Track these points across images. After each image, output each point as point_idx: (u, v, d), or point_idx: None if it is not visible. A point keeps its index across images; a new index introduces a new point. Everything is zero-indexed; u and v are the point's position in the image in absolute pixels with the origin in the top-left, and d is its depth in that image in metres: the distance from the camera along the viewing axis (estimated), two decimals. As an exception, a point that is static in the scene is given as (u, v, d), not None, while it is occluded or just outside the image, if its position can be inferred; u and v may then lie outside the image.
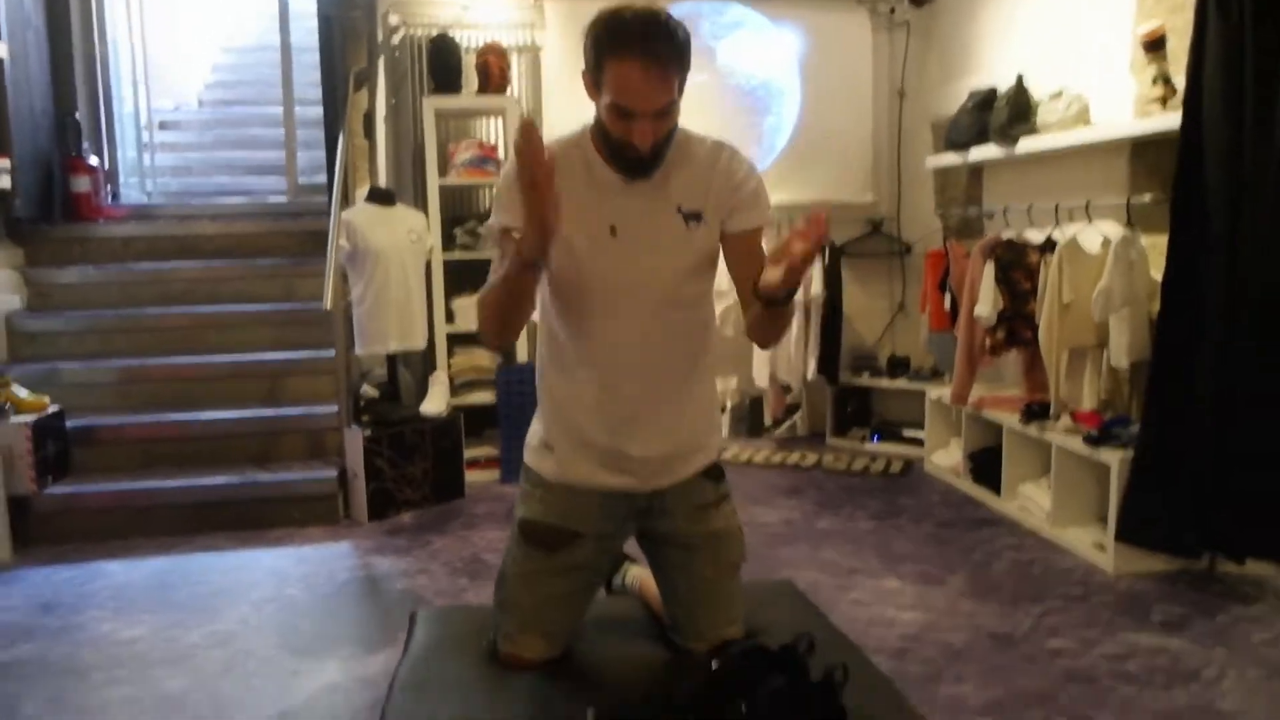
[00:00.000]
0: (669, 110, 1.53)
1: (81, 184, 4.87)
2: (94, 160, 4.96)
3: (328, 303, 3.70)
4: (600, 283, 1.63)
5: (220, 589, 3.14)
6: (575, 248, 1.61)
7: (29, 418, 3.64)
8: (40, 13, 4.79)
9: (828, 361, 4.89)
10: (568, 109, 4.63)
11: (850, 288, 5.08)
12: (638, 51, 1.46)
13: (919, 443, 4.66)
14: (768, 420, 5.28)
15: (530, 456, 1.79)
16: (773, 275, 1.44)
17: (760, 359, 4.85)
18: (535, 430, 1.79)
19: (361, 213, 4.11)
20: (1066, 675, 2.44)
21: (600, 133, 1.60)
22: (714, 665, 1.12)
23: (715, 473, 1.80)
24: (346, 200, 4.27)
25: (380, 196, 4.20)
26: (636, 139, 1.52)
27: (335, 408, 3.98)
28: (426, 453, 4.03)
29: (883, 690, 1.53)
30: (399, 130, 4.79)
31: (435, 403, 4.17)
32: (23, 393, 3.76)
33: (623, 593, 2.07)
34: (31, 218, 4.64)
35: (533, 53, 4.86)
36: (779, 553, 3.39)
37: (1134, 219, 3.35)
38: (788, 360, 4.84)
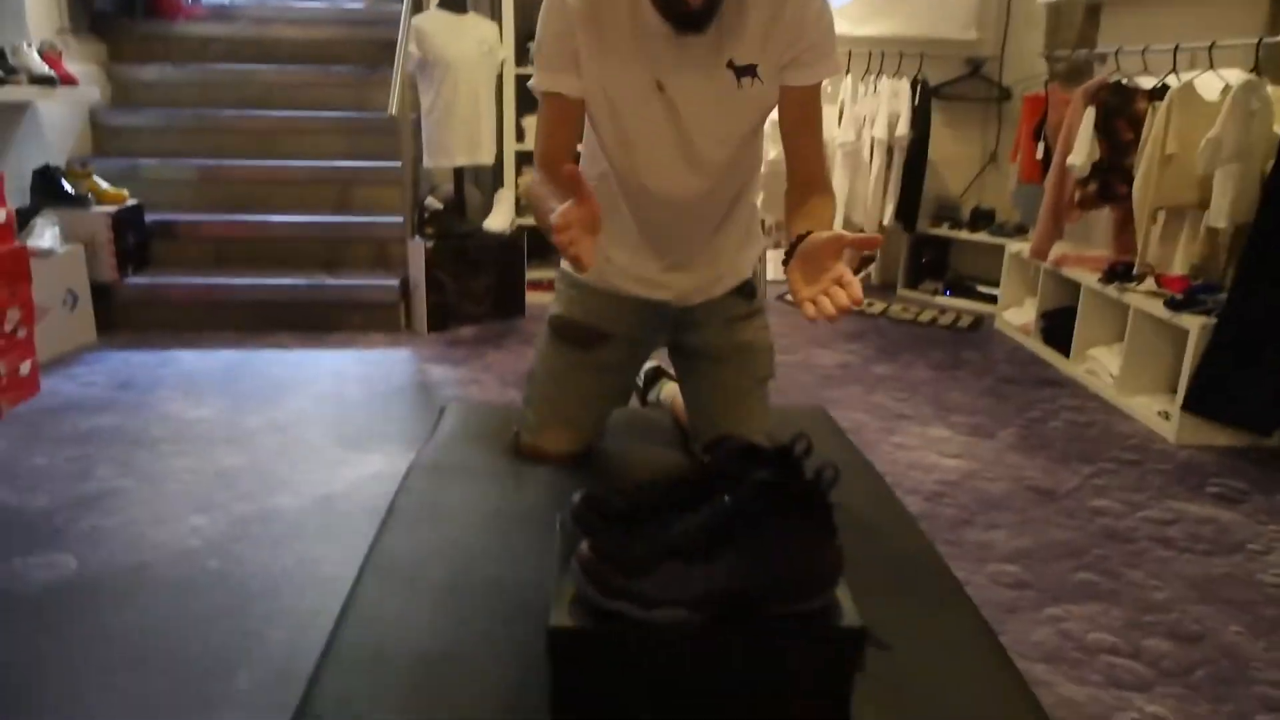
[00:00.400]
0: None
1: (162, -24, 4.83)
2: (175, -47, 4.89)
3: (393, 108, 3.65)
4: (644, 141, 1.53)
5: (282, 382, 3.27)
6: (617, 104, 1.49)
7: (110, 208, 3.76)
8: None
9: (907, 208, 4.69)
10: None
11: (940, 132, 4.80)
12: None
13: (992, 300, 4.49)
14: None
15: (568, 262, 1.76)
16: (801, 286, 1.21)
17: (836, 197, 4.67)
18: None
19: (432, 19, 3.99)
20: (1104, 533, 2.39)
21: None
22: (705, 459, 1.10)
23: (747, 289, 1.74)
24: (419, 6, 4.14)
25: (452, 3, 4.05)
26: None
27: (401, 218, 4.01)
28: (489, 269, 4.06)
29: (888, 507, 1.51)
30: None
31: (500, 219, 4.15)
32: (104, 184, 3.87)
33: (656, 406, 2.08)
34: (114, 12, 4.64)
35: None
36: (829, 393, 3.36)
37: (1263, 65, 3.03)
38: (864, 202, 4.65)
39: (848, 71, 4.65)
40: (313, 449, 2.70)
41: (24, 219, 3.63)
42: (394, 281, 3.92)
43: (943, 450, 2.89)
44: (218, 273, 3.97)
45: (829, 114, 4.71)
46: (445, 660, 1.05)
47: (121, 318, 3.82)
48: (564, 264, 1.77)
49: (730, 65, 1.46)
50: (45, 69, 3.53)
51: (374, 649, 1.08)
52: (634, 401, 2.10)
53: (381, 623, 1.14)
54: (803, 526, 0.99)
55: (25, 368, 3.08)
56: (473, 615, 1.14)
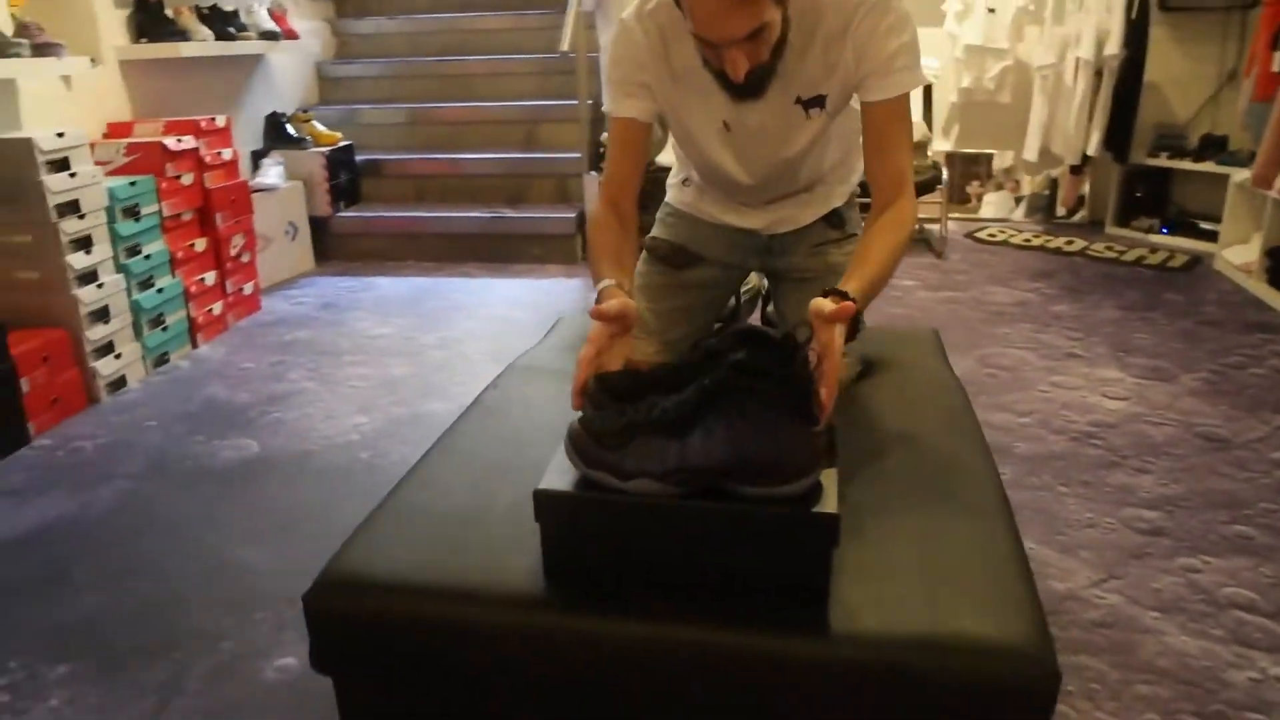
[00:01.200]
0: (761, 32, 1.24)
1: (381, -65, 5.22)
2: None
3: (564, 44, 3.79)
4: (720, 163, 1.58)
5: (460, 306, 3.55)
6: (691, 131, 1.54)
7: (325, 149, 4.19)
8: None
9: (1118, 136, 4.28)
10: None
11: (1163, 48, 4.31)
12: None
13: (1215, 238, 4.03)
14: (1060, 209, 4.81)
15: (669, 192, 1.83)
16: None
17: (1032, 127, 4.34)
18: (676, 170, 1.83)
19: (610, -44, 4.07)
20: (1277, 489, 2.15)
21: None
22: (708, 342, 1.13)
23: (834, 219, 1.73)
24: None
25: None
26: (729, 69, 1.28)
27: (579, 154, 4.17)
28: (662, 202, 4.13)
29: (961, 426, 1.45)
30: None
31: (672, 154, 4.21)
32: (321, 128, 4.30)
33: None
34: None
35: None
36: (993, 329, 3.19)
37: None
38: (1065, 132, 4.29)
39: (1053, -13, 4.27)
40: (471, 363, 2.94)
41: (257, 159, 4.14)
42: (571, 214, 4.10)
43: (1107, 391, 2.68)
44: (417, 207, 4.33)
45: (1031, 35, 4.36)
46: (473, 523, 1.17)
47: (334, 247, 4.26)
48: (669, 195, 1.83)
49: (798, 101, 1.45)
50: (271, 25, 3.97)
51: (419, 508, 1.22)
52: (756, 317, 2.11)
53: (429, 488, 1.27)
54: (777, 410, 1.01)
55: (249, 288, 3.54)
56: (512, 489, 1.24)
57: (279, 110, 4.26)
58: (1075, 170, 4.53)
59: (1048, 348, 3.03)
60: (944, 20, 4.50)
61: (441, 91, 4.78)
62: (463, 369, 2.90)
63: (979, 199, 5.13)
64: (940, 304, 3.47)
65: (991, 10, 4.32)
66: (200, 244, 3.26)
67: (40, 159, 2.58)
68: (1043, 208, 4.86)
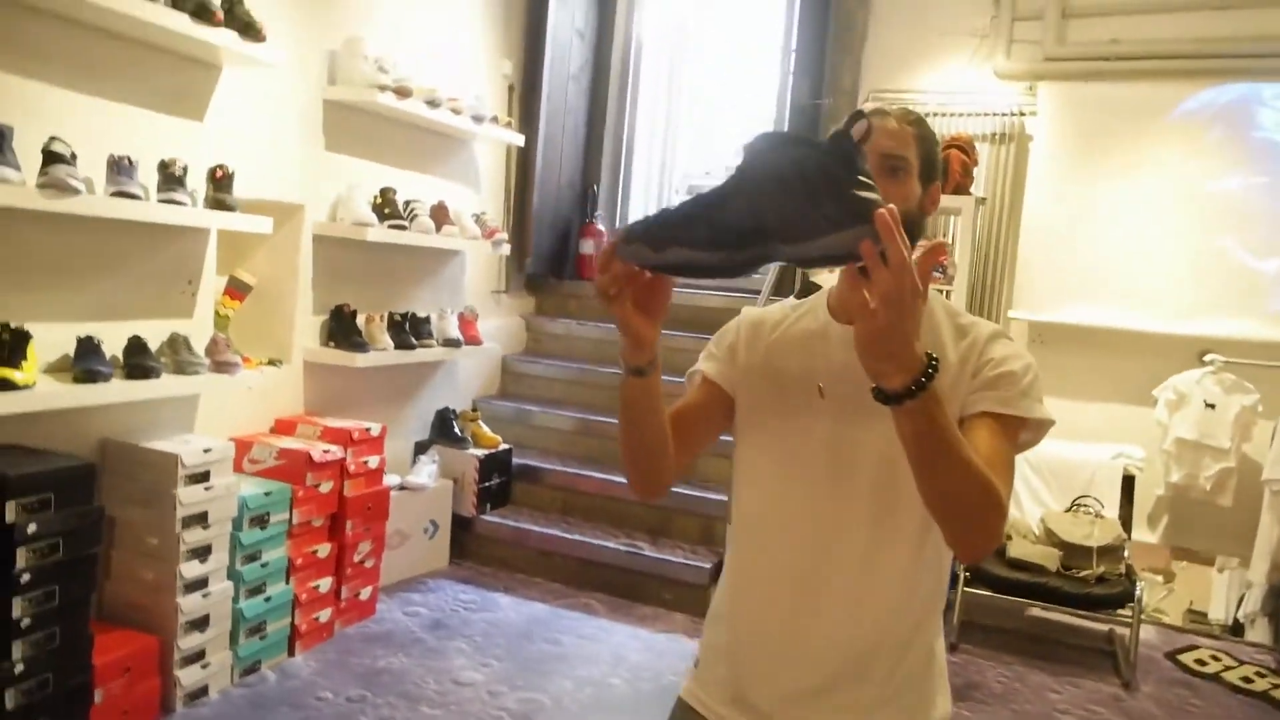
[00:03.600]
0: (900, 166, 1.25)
1: (588, 246, 5.58)
2: (602, 225, 5.64)
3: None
4: (795, 459, 1.29)
5: (565, 654, 3.32)
6: (776, 408, 1.33)
7: (482, 452, 4.26)
8: (583, 98, 5.59)
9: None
10: (1049, 204, 4.09)
11: None
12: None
13: None
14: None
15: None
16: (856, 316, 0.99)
17: (1259, 548, 3.70)
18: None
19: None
20: None
21: (830, 294, 1.37)
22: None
23: None
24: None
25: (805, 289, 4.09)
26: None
27: (726, 497, 3.98)
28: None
29: None
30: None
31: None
32: (485, 429, 4.41)
33: None
34: (543, 273, 5.44)
35: (1018, 141, 4.35)
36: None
37: None
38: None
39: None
40: (541, 750, 2.66)
41: (420, 450, 4.27)
42: (707, 565, 3.86)
43: None
44: (560, 521, 4.26)
45: (1261, 434, 3.83)
46: None
47: (472, 548, 4.23)
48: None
49: None
50: (454, 333, 4.20)
51: None
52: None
53: None
54: (818, 165, 0.95)
55: (366, 593, 3.51)
56: None
57: (450, 407, 4.42)
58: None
59: None
60: (1154, 405, 4.07)
61: (607, 402, 4.84)
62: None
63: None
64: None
65: (1210, 406, 3.86)
66: (324, 549, 3.28)
67: (181, 473, 2.71)
68: (1258, 614, 4.06)
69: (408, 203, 3.94)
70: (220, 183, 2.91)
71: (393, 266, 4.09)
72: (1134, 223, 4.14)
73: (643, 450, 1.30)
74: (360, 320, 3.75)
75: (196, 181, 2.88)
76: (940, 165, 1.33)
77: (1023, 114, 4.31)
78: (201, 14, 2.70)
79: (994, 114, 4.34)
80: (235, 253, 3.42)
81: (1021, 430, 1.21)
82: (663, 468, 1.32)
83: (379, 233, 3.65)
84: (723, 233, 1.01)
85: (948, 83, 4.46)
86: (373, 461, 3.50)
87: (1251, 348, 3.92)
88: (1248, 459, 3.92)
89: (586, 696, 3.02)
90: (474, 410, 4.53)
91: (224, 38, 2.80)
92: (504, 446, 4.40)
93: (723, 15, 6.55)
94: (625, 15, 5.71)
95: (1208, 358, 3.99)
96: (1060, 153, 4.25)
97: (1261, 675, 3.66)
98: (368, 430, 3.49)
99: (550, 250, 5.46)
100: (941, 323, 1.30)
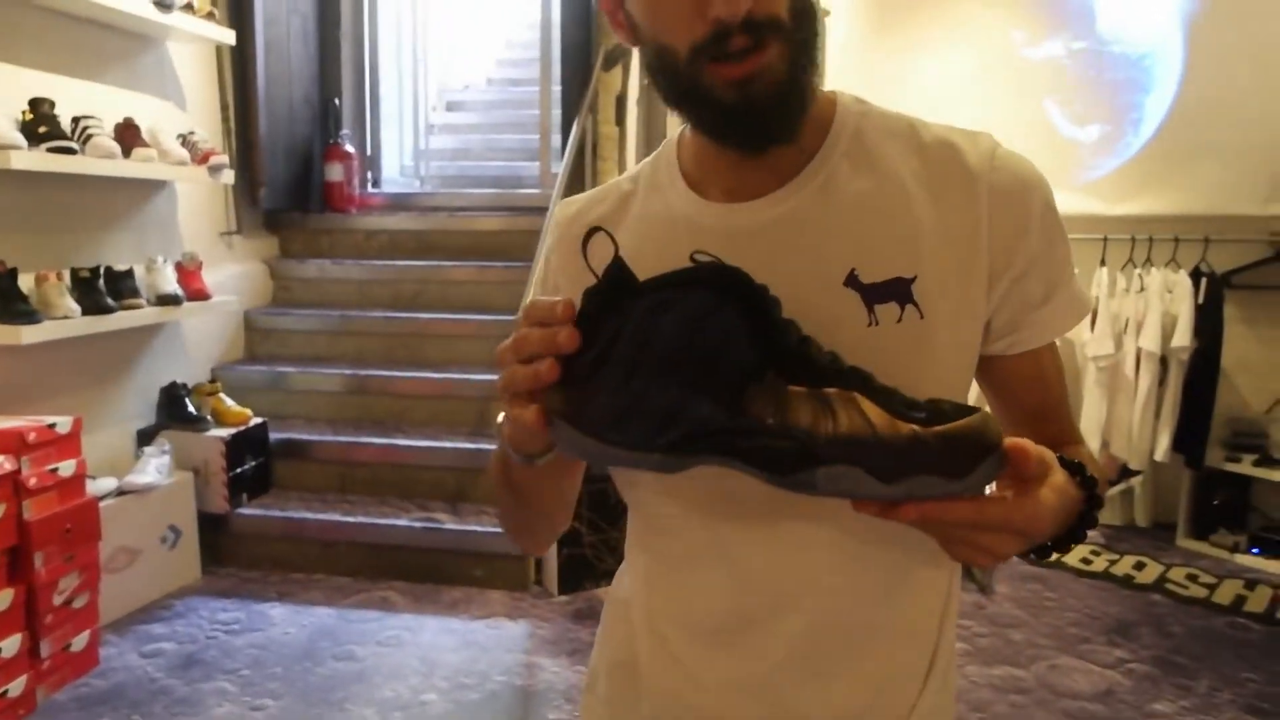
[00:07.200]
0: None
1: (334, 172, 4.71)
2: (349, 147, 4.77)
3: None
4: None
5: (363, 670, 2.66)
6: None
7: (228, 431, 3.42)
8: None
9: (1189, 437, 3.56)
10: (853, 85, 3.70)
11: (1237, 331, 3.67)
12: None
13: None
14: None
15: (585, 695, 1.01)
16: None
17: (1088, 423, 3.61)
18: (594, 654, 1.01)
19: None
20: None
21: (682, 140, 0.85)
22: None
23: None
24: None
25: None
26: (720, 8, 0.67)
27: (537, 447, 3.41)
28: (634, 514, 3.34)
29: None
30: (652, 116, 4.11)
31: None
32: (229, 402, 3.56)
33: None
34: (284, 207, 4.53)
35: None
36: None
37: None
38: (1128, 431, 3.57)
39: (1102, 263, 3.68)
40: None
41: (144, 440, 3.37)
42: (522, 525, 3.29)
43: None
44: (337, 504, 3.52)
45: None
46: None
47: (230, 551, 3.42)
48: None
49: (852, 278, 0.74)
50: (170, 287, 3.30)
51: None
52: None
53: None
54: None
55: (80, 641, 2.66)
56: None
57: (179, 380, 3.52)
58: (1126, 470, 3.77)
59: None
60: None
61: (382, 353, 4.09)
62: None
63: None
64: (998, 694, 2.60)
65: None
66: (3, 599, 2.41)
67: None
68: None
69: (77, 119, 2.97)
70: None
71: (67, 206, 3.11)
72: (946, 94, 3.87)
73: (541, 519, 0.96)
74: (26, 282, 2.80)
75: None
76: None
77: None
78: None
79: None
80: None
81: None
82: (564, 520, 0.98)
83: (31, 158, 2.69)
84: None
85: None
86: (65, 468, 2.61)
87: (1070, 221, 3.78)
88: (1066, 342, 3.83)
89: (396, 726, 2.40)
90: (212, 381, 3.66)
91: None
92: (256, 421, 3.57)
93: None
94: (348, -111, 4.78)
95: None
96: (866, 28, 3.91)
97: (1096, 554, 3.62)
98: (50, 427, 2.59)
99: (289, 179, 4.53)
100: (908, 146, 0.81)
